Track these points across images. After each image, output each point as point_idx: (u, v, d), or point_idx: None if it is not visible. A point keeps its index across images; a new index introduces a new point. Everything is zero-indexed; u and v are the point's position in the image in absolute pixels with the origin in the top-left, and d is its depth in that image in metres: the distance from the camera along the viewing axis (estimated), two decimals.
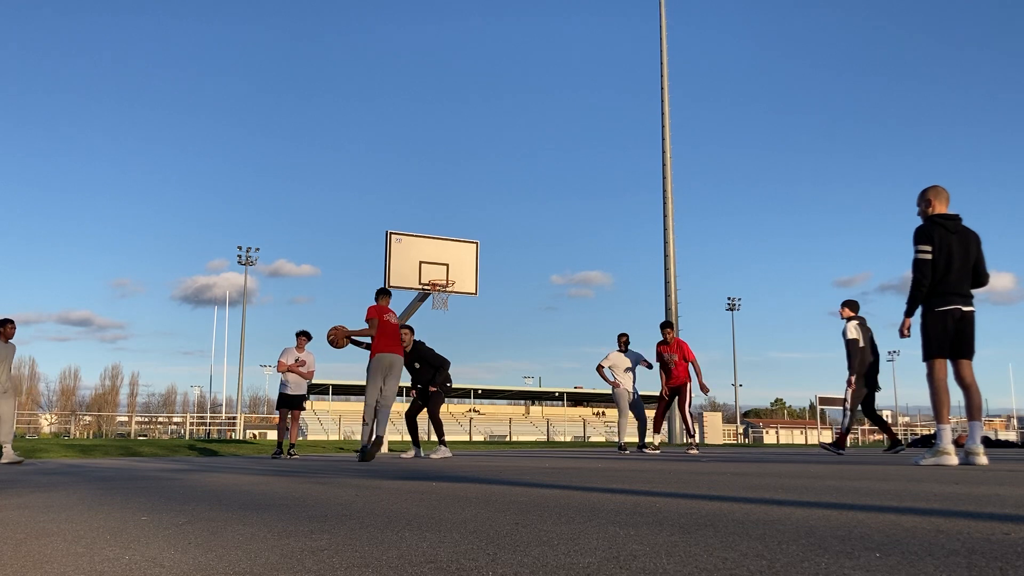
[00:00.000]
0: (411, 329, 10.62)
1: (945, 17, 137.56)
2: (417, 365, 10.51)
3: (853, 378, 10.79)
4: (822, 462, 7.18)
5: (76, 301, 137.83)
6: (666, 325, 12.37)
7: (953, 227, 6.07)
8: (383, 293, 9.76)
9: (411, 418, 10.84)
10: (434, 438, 11.86)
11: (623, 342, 12.61)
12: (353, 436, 44.21)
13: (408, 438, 9.58)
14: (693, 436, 12.48)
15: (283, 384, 11.95)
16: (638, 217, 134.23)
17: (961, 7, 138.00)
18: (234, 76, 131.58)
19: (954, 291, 5.99)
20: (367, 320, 9.41)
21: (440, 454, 10.23)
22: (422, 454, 10.66)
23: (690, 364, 12.19)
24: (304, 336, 12.06)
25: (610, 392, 13.01)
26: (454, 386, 11.31)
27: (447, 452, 10.38)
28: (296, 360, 11.89)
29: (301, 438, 43.05)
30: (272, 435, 59.18)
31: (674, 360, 12.15)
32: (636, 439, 13.38)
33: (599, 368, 12.55)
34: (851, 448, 17.26)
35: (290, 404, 11.93)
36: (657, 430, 12.66)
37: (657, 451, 12.34)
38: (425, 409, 10.66)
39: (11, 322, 9.99)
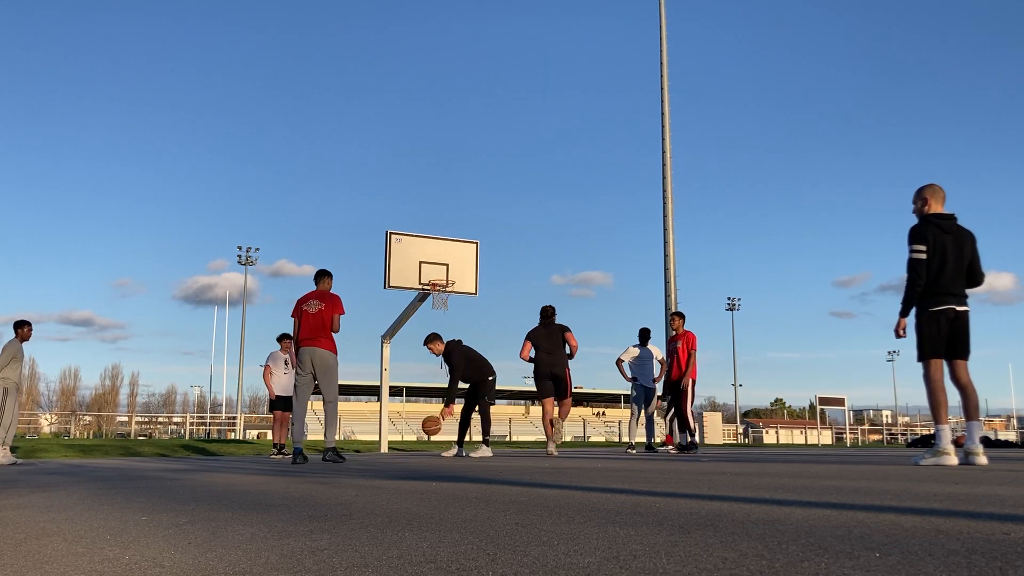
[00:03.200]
0: (434, 337, 10.29)
1: (945, 17, 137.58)
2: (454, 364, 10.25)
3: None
4: (822, 462, 7.19)
5: (77, 301, 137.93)
6: (675, 315, 12.07)
7: (947, 227, 6.06)
8: (317, 275, 9.02)
9: (465, 417, 10.65)
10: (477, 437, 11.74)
11: (645, 337, 12.47)
12: (353, 436, 44.23)
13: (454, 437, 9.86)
14: (693, 435, 12.25)
15: (272, 388, 12.34)
16: (638, 217, 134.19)
17: (961, 7, 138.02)
18: (235, 76, 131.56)
19: (948, 291, 5.98)
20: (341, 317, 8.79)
21: (480, 453, 10.15)
22: (463, 453, 10.47)
23: (689, 354, 11.76)
24: (289, 338, 12.26)
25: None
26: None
27: (488, 452, 10.25)
28: (285, 362, 12.22)
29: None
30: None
31: (676, 349, 11.81)
32: (645, 439, 13.16)
33: (618, 362, 12.33)
34: (851, 448, 17.29)
35: (283, 406, 12.23)
36: (682, 428, 12.45)
37: (694, 451, 12.07)
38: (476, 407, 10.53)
39: (28, 324, 10.04)
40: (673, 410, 12.17)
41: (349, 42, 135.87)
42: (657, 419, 13.38)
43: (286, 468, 7.03)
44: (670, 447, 12.30)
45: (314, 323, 8.66)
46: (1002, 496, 2.94)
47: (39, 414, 59.43)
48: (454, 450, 10.56)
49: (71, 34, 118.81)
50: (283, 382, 12.18)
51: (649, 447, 12.57)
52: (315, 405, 70.19)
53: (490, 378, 10.43)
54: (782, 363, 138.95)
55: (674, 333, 11.97)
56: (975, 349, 6.08)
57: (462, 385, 10.47)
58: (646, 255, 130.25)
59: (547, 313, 10.60)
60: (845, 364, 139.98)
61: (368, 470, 6.29)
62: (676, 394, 11.87)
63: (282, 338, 12.38)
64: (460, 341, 10.43)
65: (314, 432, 58.11)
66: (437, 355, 10.34)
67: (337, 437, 8.75)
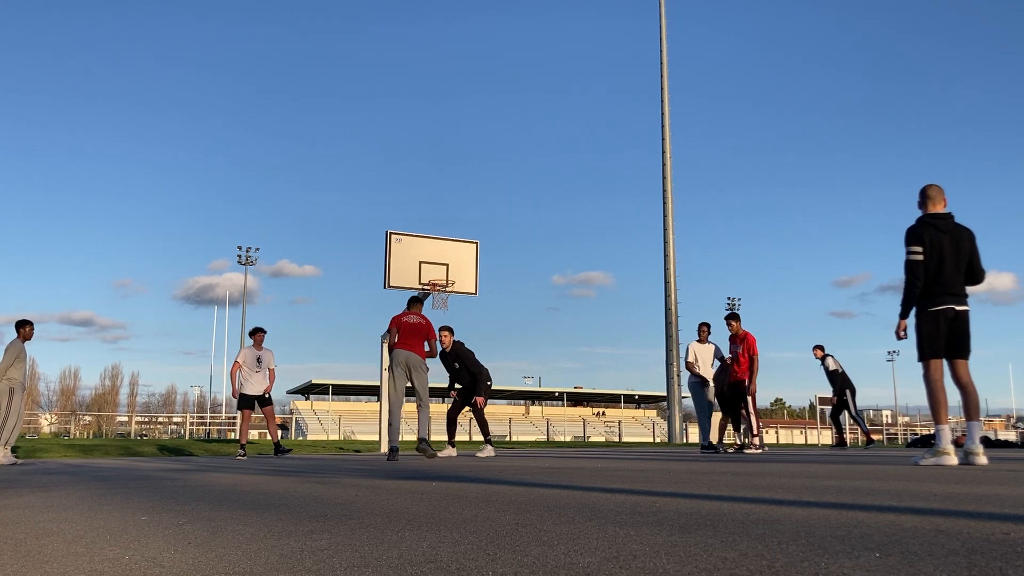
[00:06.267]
0: (451, 330, 10.82)
1: (944, 17, 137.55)
2: (456, 365, 10.66)
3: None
4: (822, 462, 7.19)
5: (78, 301, 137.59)
6: (732, 316, 11.91)
7: (944, 226, 6.04)
8: (412, 301, 10.00)
9: (451, 417, 10.98)
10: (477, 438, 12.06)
11: (704, 333, 12.29)
12: (353, 436, 44.27)
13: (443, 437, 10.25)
14: (757, 435, 11.99)
15: (241, 384, 11.72)
16: (639, 217, 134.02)
17: (961, 7, 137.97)
18: (234, 76, 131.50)
19: (947, 291, 5.97)
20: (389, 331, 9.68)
21: (485, 453, 10.38)
22: (454, 452, 10.74)
23: (751, 359, 11.63)
24: (261, 332, 11.88)
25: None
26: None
27: (491, 451, 10.50)
28: (257, 360, 11.71)
29: (301, 438, 42.97)
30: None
31: (737, 352, 11.68)
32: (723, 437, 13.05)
33: (689, 366, 12.18)
34: (851, 448, 17.29)
35: (249, 404, 11.73)
36: (737, 428, 12.27)
37: (761, 450, 11.94)
38: (466, 408, 10.84)
39: (30, 323, 10.01)
40: (738, 411, 12.08)
41: (348, 42, 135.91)
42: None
43: (286, 468, 7.03)
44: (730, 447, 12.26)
45: (414, 331, 9.55)
46: (1002, 496, 2.94)
47: (39, 414, 59.43)
48: (447, 450, 10.65)
49: (71, 34, 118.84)
50: (253, 380, 11.61)
51: (707, 446, 12.35)
52: (319, 405, 70.07)
53: (488, 383, 10.79)
54: (782, 363, 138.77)
55: (732, 335, 11.87)
56: (975, 349, 6.08)
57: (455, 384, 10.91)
58: (646, 255, 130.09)
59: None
60: (845, 364, 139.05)
61: (368, 470, 6.29)
62: (738, 396, 11.78)
63: (254, 332, 11.78)
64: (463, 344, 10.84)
65: (314, 432, 58.20)
66: (443, 346, 10.68)
67: (423, 436, 9.50)
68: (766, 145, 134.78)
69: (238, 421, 11.85)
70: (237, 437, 12.23)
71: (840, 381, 15.43)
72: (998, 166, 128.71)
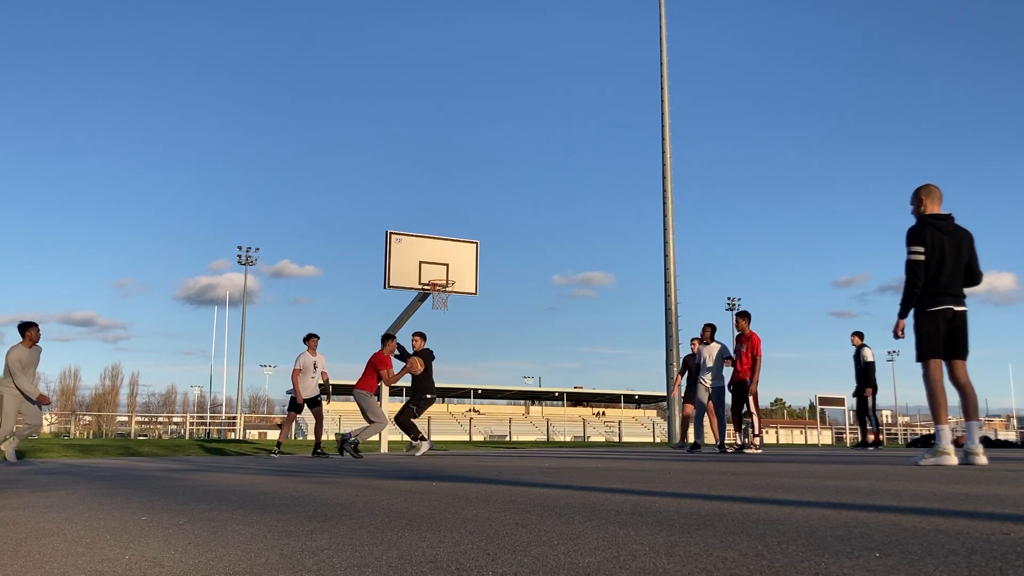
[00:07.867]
0: (422, 336, 11.74)
1: (944, 16, 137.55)
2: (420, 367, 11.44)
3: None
4: (822, 462, 7.19)
5: (79, 302, 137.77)
6: (741, 315, 11.80)
7: (945, 227, 6.05)
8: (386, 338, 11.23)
9: (401, 421, 11.91)
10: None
11: (708, 334, 12.29)
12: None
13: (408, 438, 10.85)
14: (759, 435, 11.92)
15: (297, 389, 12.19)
16: (639, 217, 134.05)
17: (962, 7, 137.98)
18: (234, 76, 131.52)
19: (946, 291, 5.98)
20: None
21: (421, 451, 11.33)
22: (429, 445, 11.81)
23: (754, 359, 11.52)
24: (315, 338, 12.20)
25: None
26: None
27: (426, 447, 11.56)
28: (314, 365, 12.12)
29: (300, 438, 42.92)
30: (273, 434, 59.11)
31: (740, 351, 11.63)
32: (703, 439, 13.12)
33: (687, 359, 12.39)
34: (851, 448, 17.30)
35: (299, 408, 12.24)
36: (738, 428, 12.16)
37: (759, 451, 11.95)
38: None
39: (35, 325, 10.08)
40: (743, 410, 12.04)
41: (349, 42, 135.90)
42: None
43: (286, 468, 7.03)
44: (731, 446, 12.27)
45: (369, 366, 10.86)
46: (1002, 496, 2.95)
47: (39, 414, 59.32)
48: (424, 446, 11.44)
49: (71, 34, 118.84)
50: (310, 386, 12.06)
51: (720, 446, 12.39)
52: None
53: (428, 396, 11.73)
54: (782, 363, 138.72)
55: (739, 333, 11.81)
56: (975, 349, 6.09)
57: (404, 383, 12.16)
58: (647, 255, 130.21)
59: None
60: (845, 364, 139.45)
61: (368, 470, 6.29)
62: (740, 395, 11.73)
63: (308, 337, 12.09)
64: (432, 356, 11.68)
65: (330, 432, 58.21)
66: (413, 349, 11.70)
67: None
68: (766, 145, 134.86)
69: (284, 422, 12.68)
70: (277, 437, 12.98)
71: (872, 376, 14.78)
72: (998, 166, 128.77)
